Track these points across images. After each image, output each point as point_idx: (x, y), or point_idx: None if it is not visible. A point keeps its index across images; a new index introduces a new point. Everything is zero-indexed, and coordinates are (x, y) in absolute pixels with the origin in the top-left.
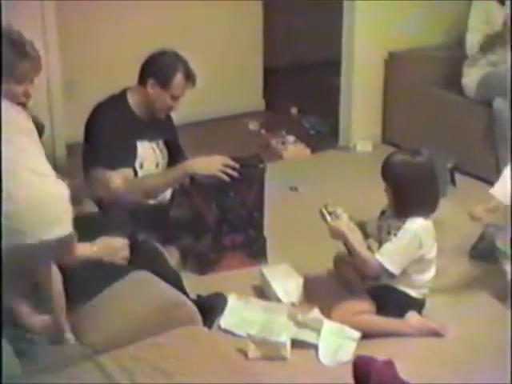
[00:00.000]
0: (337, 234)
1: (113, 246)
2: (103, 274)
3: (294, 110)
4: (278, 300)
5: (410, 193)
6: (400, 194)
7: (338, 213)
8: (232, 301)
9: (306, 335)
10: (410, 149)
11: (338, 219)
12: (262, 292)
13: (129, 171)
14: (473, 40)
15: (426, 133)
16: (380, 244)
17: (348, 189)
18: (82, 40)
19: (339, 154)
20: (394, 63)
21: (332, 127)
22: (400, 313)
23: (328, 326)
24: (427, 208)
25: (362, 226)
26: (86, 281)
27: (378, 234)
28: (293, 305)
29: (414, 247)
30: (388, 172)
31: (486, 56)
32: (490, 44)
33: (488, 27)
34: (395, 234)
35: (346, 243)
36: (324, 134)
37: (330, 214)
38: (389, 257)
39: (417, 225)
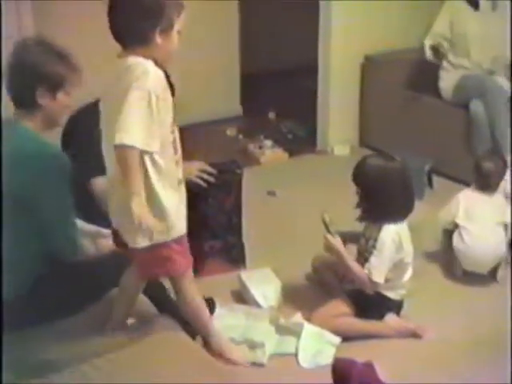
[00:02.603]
0: (331, 250)
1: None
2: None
3: (271, 115)
4: (257, 304)
5: (382, 197)
6: (372, 198)
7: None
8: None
9: (287, 346)
10: (383, 153)
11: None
12: (242, 297)
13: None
14: (426, 45)
15: (403, 135)
16: (359, 251)
17: (326, 192)
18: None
19: (317, 157)
20: (370, 66)
21: (310, 131)
22: (379, 315)
23: (308, 329)
24: (400, 213)
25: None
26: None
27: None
28: (272, 309)
29: (393, 253)
30: (360, 177)
31: (450, 60)
32: (438, 52)
33: (451, 32)
34: (374, 246)
35: (339, 260)
36: (302, 138)
37: (329, 225)
38: (376, 271)
39: (391, 232)
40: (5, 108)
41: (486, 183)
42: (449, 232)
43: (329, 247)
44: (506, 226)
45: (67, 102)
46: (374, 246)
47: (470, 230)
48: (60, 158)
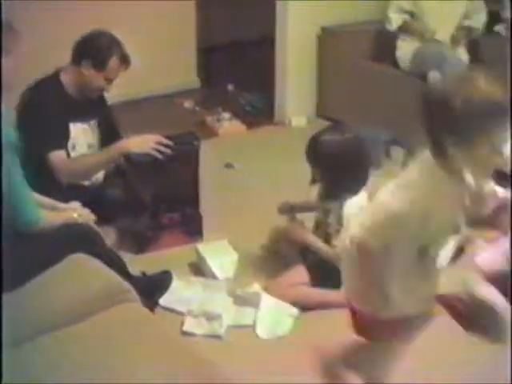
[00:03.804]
0: (296, 238)
1: None
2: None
3: (229, 87)
4: (214, 276)
5: (339, 173)
6: (329, 175)
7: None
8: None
9: (245, 317)
10: (334, 126)
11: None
12: (199, 269)
13: (62, 153)
14: (391, 20)
15: (361, 106)
16: (319, 225)
17: (283, 164)
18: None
19: (275, 129)
20: (326, 38)
21: (267, 103)
22: (337, 284)
23: (266, 300)
24: (358, 184)
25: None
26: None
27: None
28: (229, 280)
29: None
30: (315, 155)
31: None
32: (406, 30)
33: (411, 3)
34: (339, 223)
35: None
36: (260, 110)
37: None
38: None
39: (354, 207)
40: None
41: None
42: None
43: (292, 235)
44: None
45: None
46: (339, 223)
47: None
48: (5, 136)
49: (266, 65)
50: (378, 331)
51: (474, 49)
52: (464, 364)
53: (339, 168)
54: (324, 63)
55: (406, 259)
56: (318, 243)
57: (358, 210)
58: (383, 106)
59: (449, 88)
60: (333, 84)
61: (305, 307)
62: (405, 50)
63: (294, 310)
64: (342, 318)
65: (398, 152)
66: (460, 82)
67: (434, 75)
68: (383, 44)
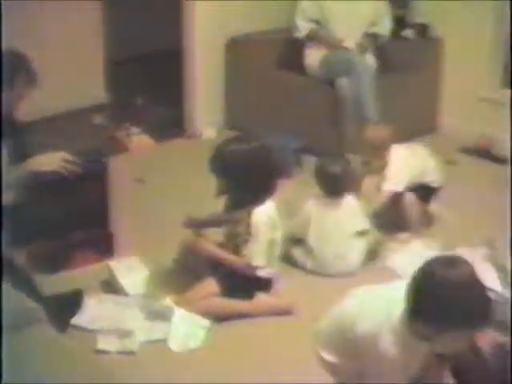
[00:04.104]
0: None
1: None
2: None
3: (138, 101)
4: (125, 293)
5: (245, 184)
6: (236, 186)
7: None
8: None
9: (158, 332)
10: (240, 136)
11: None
12: (111, 287)
13: None
14: (299, 28)
15: (271, 115)
16: (228, 237)
17: (194, 177)
18: None
19: (185, 142)
20: (234, 48)
21: (177, 116)
22: (248, 294)
23: (178, 313)
24: (266, 193)
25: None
26: None
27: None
28: (140, 296)
29: (268, 234)
30: (219, 167)
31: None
32: (314, 38)
33: (317, 10)
34: (248, 232)
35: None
36: (169, 123)
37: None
38: (256, 255)
39: (262, 215)
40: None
41: (334, 188)
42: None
43: (198, 250)
44: (363, 232)
45: None
46: (248, 232)
47: (318, 249)
48: None
49: (174, 77)
50: None
51: (381, 54)
52: None
53: (245, 178)
54: (232, 73)
55: None
56: (224, 255)
57: (266, 219)
58: (293, 115)
59: None
60: (242, 94)
61: (216, 318)
62: (313, 57)
63: (205, 321)
64: (253, 327)
65: (309, 160)
66: None
67: (341, 82)
68: (292, 52)
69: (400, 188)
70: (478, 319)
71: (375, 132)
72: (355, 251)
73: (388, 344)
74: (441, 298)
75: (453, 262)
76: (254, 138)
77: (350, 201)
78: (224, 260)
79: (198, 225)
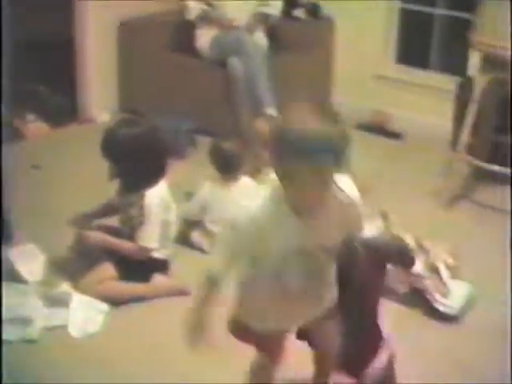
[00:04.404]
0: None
1: None
2: None
3: (34, 88)
4: (24, 281)
5: (136, 166)
6: (126, 169)
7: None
8: None
9: (57, 318)
10: (128, 118)
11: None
12: (9, 275)
13: None
14: (190, 9)
15: (165, 98)
16: (122, 221)
17: (90, 162)
18: None
19: (80, 127)
20: (126, 32)
21: (72, 102)
22: (145, 276)
23: (76, 298)
24: (157, 174)
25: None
26: None
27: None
28: (39, 283)
29: (161, 216)
30: (109, 150)
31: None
32: (205, 19)
33: None
34: (141, 214)
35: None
36: (64, 108)
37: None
38: (149, 238)
39: (155, 197)
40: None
41: (228, 168)
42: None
43: (90, 242)
44: None
45: None
46: (141, 214)
47: (215, 230)
48: None
49: (68, 63)
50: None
51: (273, 34)
52: None
53: (135, 160)
54: (125, 57)
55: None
56: (116, 243)
57: (159, 200)
58: (187, 96)
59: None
60: (135, 78)
61: (114, 302)
62: (204, 38)
63: (103, 305)
64: (152, 309)
65: (204, 141)
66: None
67: (232, 62)
68: (183, 34)
69: None
70: None
71: (265, 125)
72: None
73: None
74: None
75: None
76: (144, 120)
77: (246, 182)
78: (117, 247)
79: (87, 219)
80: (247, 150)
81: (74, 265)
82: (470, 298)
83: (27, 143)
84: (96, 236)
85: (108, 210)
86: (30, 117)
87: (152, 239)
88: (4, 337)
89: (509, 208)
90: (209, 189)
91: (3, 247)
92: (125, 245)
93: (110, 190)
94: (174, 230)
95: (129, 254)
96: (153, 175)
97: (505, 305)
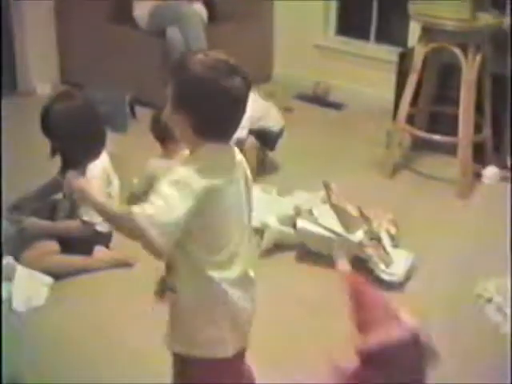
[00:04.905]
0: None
1: None
2: None
3: None
4: None
5: (74, 138)
6: (66, 145)
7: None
8: None
9: (3, 292)
10: (64, 93)
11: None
12: None
13: None
14: None
15: (103, 69)
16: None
17: (27, 136)
18: None
19: (19, 99)
20: (64, 1)
21: (9, 73)
22: (87, 249)
23: (21, 272)
24: (97, 147)
25: None
26: None
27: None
28: None
29: (104, 188)
30: (47, 128)
31: None
32: None
33: None
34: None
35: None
36: (1, 80)
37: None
38: (92, 212)
39: (98, 170)
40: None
41: (170, 138)
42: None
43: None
44: None
45: None
46: None
47: None
48: None
49: (3, 33)
50: None
51: (211, 4)
52: None
53: (72, 135)
54: (63, 27)
55: None
56: (57, 226)
57: (101, 174)
58: (126, 67)
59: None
60: (75, 48)
61: (58, 275)
62: (141, 9)
63: (48, 278)
64: (95, 281)
65: (143, 112)
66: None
67: (171, 31)
68: (121, 5)
69: (244, 134)
70: None
71: None
72: None
73: None
74: None
75: None
76: (81, 93)
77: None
78: (59, 230)
79: (26, 205)
80: None
81: (17, 238)
82: (411, 266)
83: None
84: (34, 224)
85: (52, 188)
86: None
87: (95, 214)
88: None
89: (447, 177)
90: (156, 163)
91: None
92: (66, 225)
93: (49, 161)
94: (116, 203)
95: (72, 233)
96: (92, 149)
97: (445, 273)
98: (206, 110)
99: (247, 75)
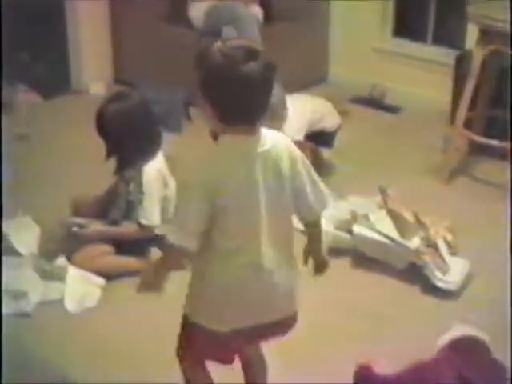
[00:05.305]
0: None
1: None
2: None
3: (22, 57)
4: (18, 253)
5: (131, 141)
6: (122, 145)
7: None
8: None
9: (53, 292)
10: (119, 93)
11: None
12: (3, 248)
13: None
14: None
15: (158, 69)
16: (123, 200)
17: (82, 134)
18: None
19: (72, 98)
20: (120, 2)
21: (63, 71)
22: (141, 251)
23: (73, 273)
24: (153, 148)
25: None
26: None
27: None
28: (34, 256)
29: (161, 191)
30: (103, 128)
31: None
32: None
33: None
34: (140, 191)
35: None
36: (55, 78)
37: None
38: (151, 214)
39: (153, 172)
40: None
41: None
42: None
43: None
44: None
45: None
46: (140, 191)
47: None
48: None
49: (59, 32)
50: None
51: (268, 5)
52: None
53: (129, 136)
54: (118, 26)
55: None
56: (116, 231)
57: (157, 176)
58: (181, 68)
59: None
60: (129, 48)
61: (111, 276)
62: (198, 9)
63: (100, 280)
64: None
65: (198, 112)
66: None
67: (227, 31)
68: (177, 4)
69: (301, 136)
70: None
71: None
72: None
73: None
74: None
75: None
76: (136, 93)
77: None
78: (116, 235)
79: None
80: None
81: (70, 237)
82: (467, 274)
83: (17, 113)
84: (92, 234)
85: (96, 203)
86: (20, 86)
87: (153, 217)
88: None
89: (506, 183)
90: None
91: None
92: (124, 231)
93: (101, 160)
94: (173, 205)
95: (130, 237)
96: (148, 149)
97: (503, 281)
98: (224, 97)
99: (269, 60)
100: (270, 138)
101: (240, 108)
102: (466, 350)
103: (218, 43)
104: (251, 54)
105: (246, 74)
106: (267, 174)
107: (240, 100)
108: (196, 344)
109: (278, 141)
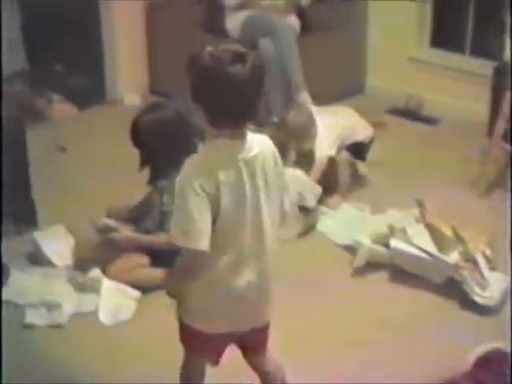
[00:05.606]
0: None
1: None
2: None
3: (58, 67)
4: (52, 264)
5: (166, 152)
6: (157, 156)
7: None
8: None
9: (88, 304)
10: (155, 104)
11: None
12: (36, 258)
13: None
14: None
15: None
16: (156, 211)
17: (117, 145)
18: None
19: (107, 109)
20: (154, 11)
21: (98, 82)
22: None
23: (108, 284)
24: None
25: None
26: None
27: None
28: (68, 267)
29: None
30: (138, 139)
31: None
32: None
33: None
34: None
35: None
36: (91, 89)
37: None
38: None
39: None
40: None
41: None
42: None
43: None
44: None
45: None
46: (174, 202)
47: None
48: None
49: (94, 42)
50: None
51: (305, 16)
52: None
53: (164, 146)
54: (154, 37)
55: None
56: (149, 240)
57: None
58: None
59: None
60: (165, 58)
61: (146, 289)
62: (234, 19)
63: (136, 292)
64: None
65: None
66: None
67: (264, 42)
68: (213, 15)
69: (333, 151)
70: None
71: (296, 117)
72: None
73: None
74: None
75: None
76: (172, 104)
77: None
78: (148, 244)
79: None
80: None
81: (104, 249)
82: (506, 289)
83: (52, 125)
84: (125, 239)
85: (128, 213)
86: (55, 97)
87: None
88: (31, 321)
89: None
90: None
91: (29, 230)
92: (156, 239)
93: (136, 172)
94: None
95: (162, 247)
96: (182, 160)
97: None
98: (212, 99)
99: (258, 63)
100: (256, 143)
101: (227, 110)
102: (497, 364)
103: (208, 48)
104: (238, 56)
105: (232, 76)
106: (254, 179)
107: (227, 101)
108: (187, 342)
109: (264, 144)
